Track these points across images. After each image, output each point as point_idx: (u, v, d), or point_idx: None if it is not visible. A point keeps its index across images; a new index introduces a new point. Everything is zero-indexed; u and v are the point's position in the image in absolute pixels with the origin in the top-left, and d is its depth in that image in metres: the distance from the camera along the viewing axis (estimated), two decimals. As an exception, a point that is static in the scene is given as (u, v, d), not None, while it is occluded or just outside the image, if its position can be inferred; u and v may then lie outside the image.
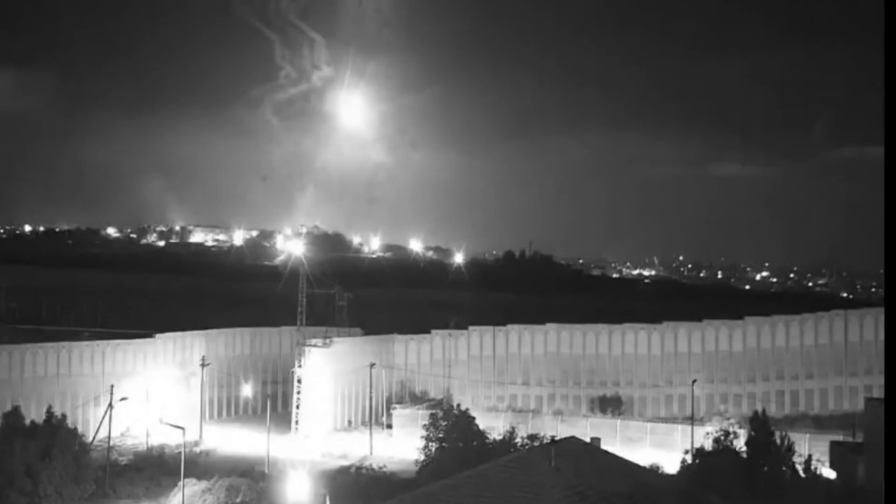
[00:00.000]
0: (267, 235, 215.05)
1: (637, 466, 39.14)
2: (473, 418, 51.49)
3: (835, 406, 70.19)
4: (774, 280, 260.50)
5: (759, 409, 51.74)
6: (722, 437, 43.95)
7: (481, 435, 50.37)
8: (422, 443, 50.42)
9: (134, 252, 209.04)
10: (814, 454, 45.60)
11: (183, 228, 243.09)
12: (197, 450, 59.81)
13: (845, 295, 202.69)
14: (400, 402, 71.07)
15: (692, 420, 60.76)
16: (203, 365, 68.74)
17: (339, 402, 69.97)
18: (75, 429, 50.88)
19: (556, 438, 42.73)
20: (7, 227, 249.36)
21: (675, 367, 72.31)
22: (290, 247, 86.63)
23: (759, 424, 43.84)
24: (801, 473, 42.47)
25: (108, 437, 55.12)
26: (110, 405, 55.94)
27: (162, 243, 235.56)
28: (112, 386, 58.70)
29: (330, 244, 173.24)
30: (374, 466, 53.12)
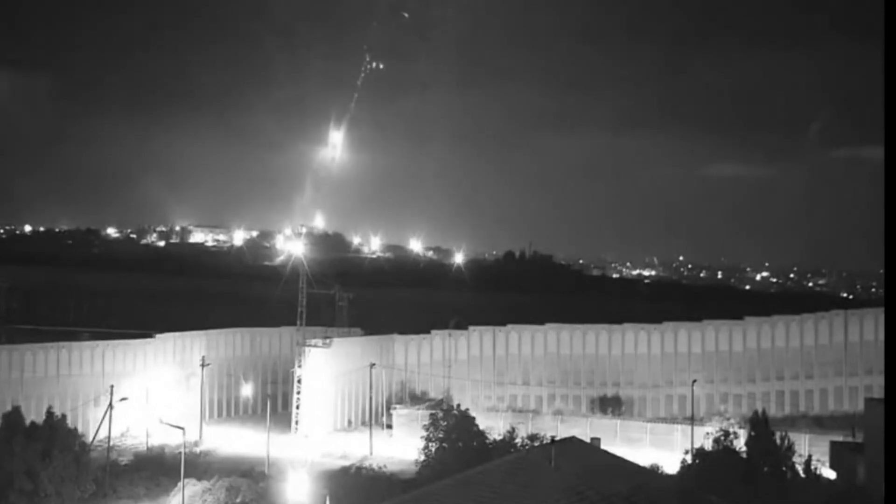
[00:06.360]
0: (267, 236, 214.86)
1: (637, 466, 39.03)
2: (473, 418, 51.44)
3: (835, 406, 70.15)
4: (774, 280, 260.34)
5: (759, 409, 51.75)
6: (722, 438, 43.94)
7: (481, 435, 50.33)
8: (422, 443, 50.38)
9: (134, 252, 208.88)
10: (814, 454, 45.55)
11: (183, 228, 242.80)
12: (197, 450, 59.70)
13: (845, 295, 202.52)
14: (400, 402, 71.03)
15: (692, 420, 60.79)
16: (203, 365, 68.70)
17: (339, 403, 69.94)
18: (75, 429, 50.75)
19: (556, 438, 42.72)
20: (7, 227, 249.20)
21: (675, 367, 72.26)
22: (291, 247, 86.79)
23: (759, 424, 43.80)
24: (801, 473, 42.45)
25: (108, 438, 55.01)
26: (110, 405, 55.85)
27: (162, 243, 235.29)
28: (112, 386, 58.57)
29: (330, 244, 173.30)
30: (374, 466, 53.12)
